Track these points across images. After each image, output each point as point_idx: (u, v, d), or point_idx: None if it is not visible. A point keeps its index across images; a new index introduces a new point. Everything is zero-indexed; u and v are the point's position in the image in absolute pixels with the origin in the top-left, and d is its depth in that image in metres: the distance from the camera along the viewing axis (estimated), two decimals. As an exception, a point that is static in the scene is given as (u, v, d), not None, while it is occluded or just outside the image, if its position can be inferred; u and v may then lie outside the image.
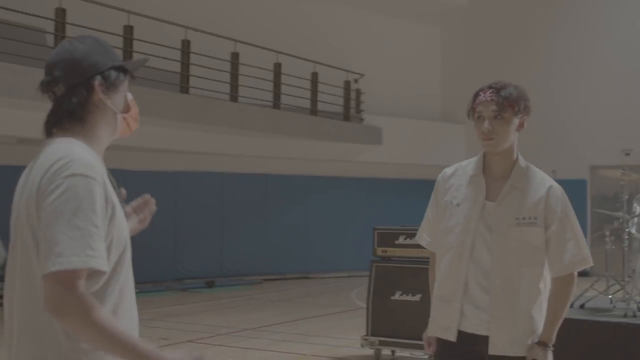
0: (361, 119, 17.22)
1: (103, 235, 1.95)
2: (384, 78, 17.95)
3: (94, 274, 1.93)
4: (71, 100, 2.09)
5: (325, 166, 17.00)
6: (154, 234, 14.71)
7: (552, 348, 3.08)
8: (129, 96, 2.23)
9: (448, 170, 3.30)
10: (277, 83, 14.86)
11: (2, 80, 9.59)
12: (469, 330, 3.11)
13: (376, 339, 7.55)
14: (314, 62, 15.72)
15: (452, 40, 19.55)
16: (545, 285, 3.14)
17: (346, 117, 16.66)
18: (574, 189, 17.59)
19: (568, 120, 17.79)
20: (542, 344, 3.07)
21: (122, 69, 2.19)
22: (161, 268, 14.73)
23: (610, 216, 8.89)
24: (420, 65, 18.98)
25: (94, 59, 2.13)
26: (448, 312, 3.15)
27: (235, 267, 15.38)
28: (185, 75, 13.08)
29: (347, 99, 16.74)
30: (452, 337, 3.14)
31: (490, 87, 3.10)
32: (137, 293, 9.40)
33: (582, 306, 7.44)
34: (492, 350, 3.09)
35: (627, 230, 7.46)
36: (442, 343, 3.22)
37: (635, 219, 7.46)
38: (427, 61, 19.23)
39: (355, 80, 17.11)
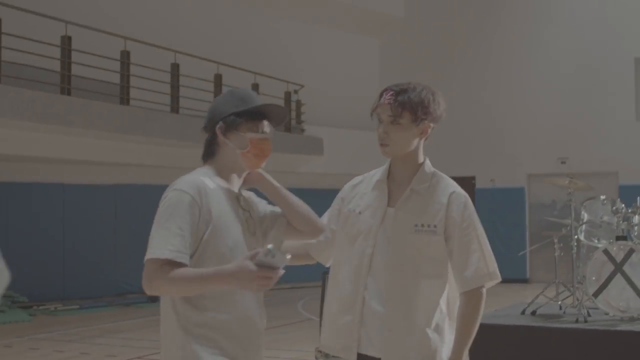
0: (302, 130, 17.18)
1: (186, 236, 2.51)
2: (324, 89, 17.98)
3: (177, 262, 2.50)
4: (206, 140, 2.76)
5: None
6: (94, 248, 14.50)
7: None
8: (250, 136, 2.70)
9: (356, 179, 3.11)
10: (218, 94, 14.71)
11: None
12: (363, 351, 2.86)
13: (331, 351, 7.48)
14: (255, 72, 15.63)
15: (390, 52, 19.71)
16: (449, 303, 2.92)
17: (287, 128, 16.59)
18: (513, 196, 17.99)
19: (504, 130, 18.10)
20: None
21: (244, 114, 2.69)
22: (102, 283, 14.40)
23: (558, 223, 9.03)
24: (360, 76, 19.05)
25: (220, 108, 2.73)
26: (347, 329, 2.89)
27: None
28: (125, 87, 12.84)
29: (288, 110, 16.66)
30: (352, 357, 2.89)
31: (392, 88, 2.88)
32: (76, 309, 9.25)
33: (533, 313, 7.53)
34: None
35: (575, 237, 7.57)
36: None
37: (584, 226, 7.57)
38: (365, 72, 19.32)
39: (296, 91, 17.08)
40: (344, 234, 3.00)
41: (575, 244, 7.58)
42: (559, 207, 17.31)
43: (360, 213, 2.96)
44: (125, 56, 12.82)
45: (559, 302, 7.75)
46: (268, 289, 2.48)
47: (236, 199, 2.72)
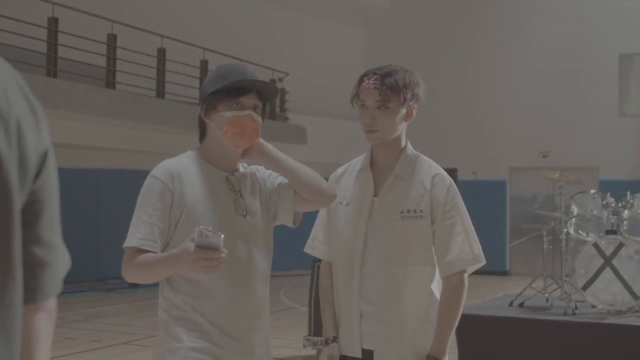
0: (286, 118, 17.15)
1: (155, 223, 2.50)
2: (309, 78, 17.94)
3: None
4: (198, 121, 2.70)
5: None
6: (75, 233, 14.37)
7: None
8: (227, 114, 2.57)
9: (340, 170, 3.01)
10: (203, 80, 14.59)
11: None
12: (367, 347, 2.80)
13: (319, 339, 7.50)
14: (240, 59, 15.47)
15: (375, 42, 19.69)
16: (440, 288, 2.85)
17: (271, 115, 16.54)
18: (495, 189, 18.09)
19: (487, 123, 18.16)
20: (432, 358, 2.74)
21: (223, 92, 2.56)
22: (83, 268, 14.27)
23: (541, 216, 9.10)
24: (344, 66, 18.97)
25: (204, 88, 2.65)
26: (349, 326, 2.84)
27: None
28: (111, 70, 12.73)
29: (272, 84, 16.59)
30: (356, 353, 2.82)
31: (374, 72, 2.77)
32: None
33: (521, 305, 7.59)
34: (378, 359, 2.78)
35: (565, 230, 7.63)
36: None
37: (573, 220, 7.63)
38: (350, 62, 19.26)
39: (280, 79, 17.03)
40: (334, 227, 2.92)
41: (565, 237, 7.64)
42: (539, 201, 17.48)
43: (347, 205, 2.88)
44: (111, 39, 12.71)
45: (546, 295, 7.82)
46: (215, 271, 2.39)
47: (225, 180, 2.63)
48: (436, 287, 2.84)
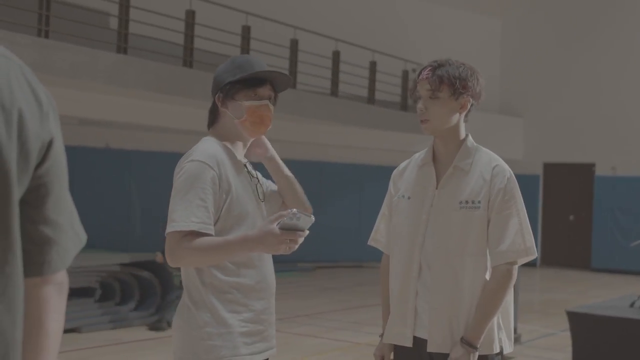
0: (418, 109, 17.08)
1: (209, 207, 2.56)
2: (443, 68, 17.76)
3: (202, 233, 2.54)
4: (210, 108, 2.78)
5: (381, 155, 16.93)
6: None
7: (478, 349, 2.77)
8: (247, 103, 2.71)
9: (402, 164, 3.10)
10: (335, 71, 14.83)
11: (65, 61, 9.74)
12: (419, 335, 2.86)
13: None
14: (373, 50, 15.64)
15: (513, 33, 19.28)
16: None
17: (403, 106, 16.55)
18: (635, 186, 17.32)
19: (629, 117, 17.41)
20: (465, 342, 2.77)
21: (242, 82, 2.70)
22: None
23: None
24: (480, 58, 18.68)
25: (220, 77, 2.74)
26: (402, 315, 2.89)
27: (288, 254, 15.37)
28: (244, 61, 13.09)
29: (404, 88, 16.61)
30: (407, 342, 2.87)
31: (430, 64, 2.88)
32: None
33: (631, 305, 7.26)
34: (431, 347, 2.81)
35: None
36: (397, 351, 2.95)
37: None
38: (486, 54, 18.98)
39: (414, 70, 16.95)
40: (395, 221, 2.99)
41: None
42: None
43: (409, 198, 2.95)
44: (246, 31, 13.08)
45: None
46: (294, 251, 2.54)
47: (244, 167, 2.78)
48: (489, 276, 2.87)
